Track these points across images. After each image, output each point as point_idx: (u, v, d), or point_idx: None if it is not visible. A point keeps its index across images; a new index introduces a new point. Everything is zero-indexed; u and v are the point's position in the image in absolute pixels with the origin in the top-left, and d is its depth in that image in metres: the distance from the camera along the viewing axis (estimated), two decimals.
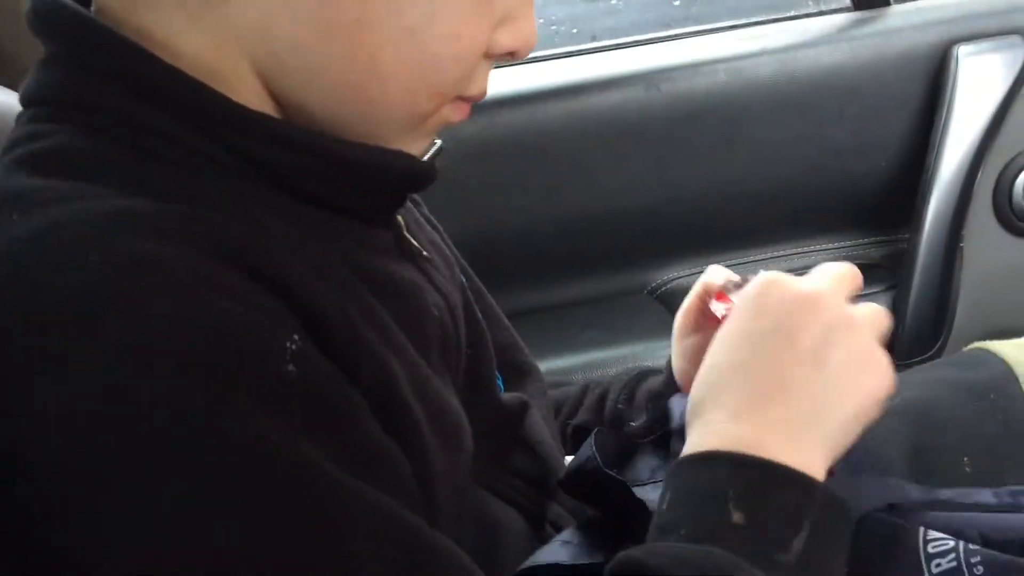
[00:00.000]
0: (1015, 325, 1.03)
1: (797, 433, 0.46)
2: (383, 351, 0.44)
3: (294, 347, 0.38)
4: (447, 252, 0.67)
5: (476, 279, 0.69)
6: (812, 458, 0.46)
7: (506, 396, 0.65)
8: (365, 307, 0.45)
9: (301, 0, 0.43)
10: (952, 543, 0.54)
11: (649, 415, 0.67)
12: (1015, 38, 1.14)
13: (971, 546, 0.54)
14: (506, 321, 0.71)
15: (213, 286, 0.37)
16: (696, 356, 0.62)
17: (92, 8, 0.46)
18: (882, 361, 0.50)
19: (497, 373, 0.66)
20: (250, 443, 0.36)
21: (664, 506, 0.45)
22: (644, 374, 0.72)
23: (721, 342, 0.51)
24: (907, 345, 1.16)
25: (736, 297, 0.57)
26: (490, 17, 0.48)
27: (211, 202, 0.42)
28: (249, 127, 0.44)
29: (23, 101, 0.47)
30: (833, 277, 0.52)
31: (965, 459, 0.76)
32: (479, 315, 0.63)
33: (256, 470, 0.36)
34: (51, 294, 0.36)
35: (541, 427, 0.65)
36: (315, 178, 0.46)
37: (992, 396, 0.80)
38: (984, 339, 0.94)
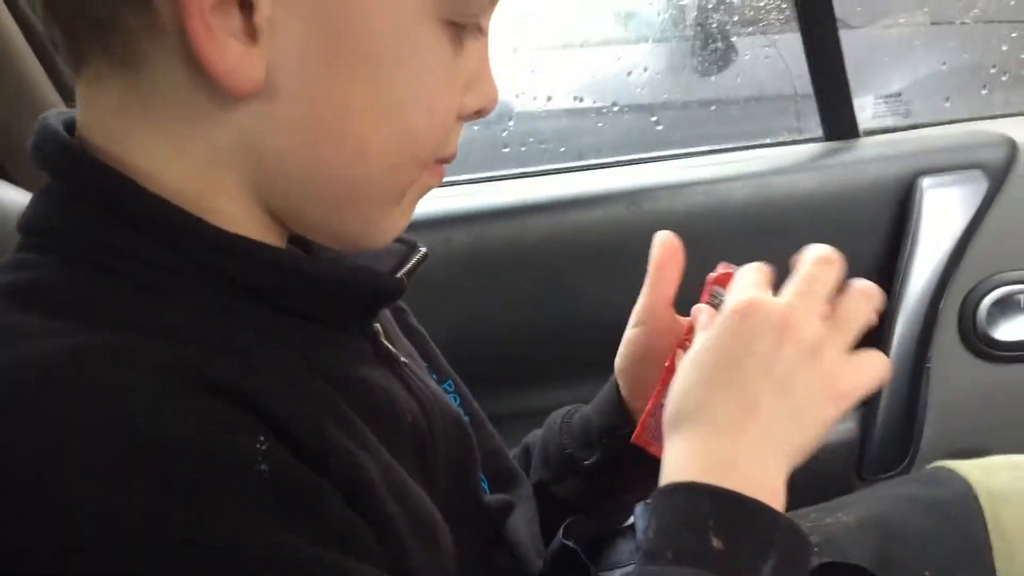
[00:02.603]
0: (980, 445, 1.06)
1: (765, 454, 0.51)
2: (355, 451, 0.45)
3: (263, 447, 0.39)
4: (434, 357, 0.70)
5: (463, 385, 0.71)
6: (777, 478, 0.51)
7: (490, 498, 0.66)
8: (336, 412, 0.46)
9: (283, 111, 0.44)
10: None
11: (602, 452, 0.70)
12: (977, 172, 1.21)
13: None
14: (492, 428, 0.72)
15: (177, 407, 0.38)
16: (636, 353, 0.67)
17: (81, 139, 0.47)
18: (845, 394, 0.53)
19: (483, 476, 0.67)
20: (234, 544, 0.37)
21: (650, 532, 0.48)
22: (571, 412, 0.75)
23: (698, 360, 0.54)
24: (875, 461, 1.19)
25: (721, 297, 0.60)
26: (459, 84, 0.50)
27: (184, 326, 0.43)
28: (225, 249, 0.46)
29: (18, 228, 0.48)
30: (808, 291, 0.55)
31: (926, 573, 0.78)
32: (464, 420, 0.64)
33: (242, 567, 0.37)
34: (14, 431, 0.37)
35: (521, 528, 0.67)
36: (289, 293, 0.48)
37: (953, 513, 0.83)
38: (951, 458, 0.98)
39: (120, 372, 0.39)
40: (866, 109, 1.57)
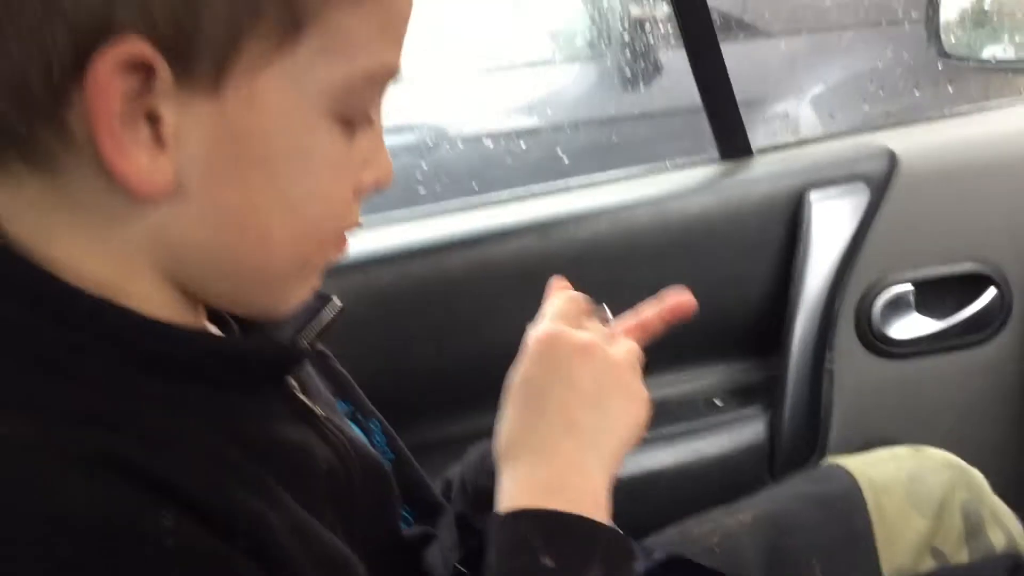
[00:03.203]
0: (884, 438, 1.13)
1: (588, 466, 0.58)
2: (259, 507, 0.47)
3: (168, 523, 0.41)
4: (358, 399, 0.73)
5: (387, 424, 0.75)
6: (600, 487, 0.58)
7: (409, 532, 0.71)
8: (240, 473, 0.49)
9: (191, 209, 0.48)
10: None
11: None
12: (859, 184, 1.29)
13: None
14: (415, 462, 0.77)
15: (80, 490, 0.41)
16: None
17: (2, 231, 0.49)
18: (641, 392, 0.63)
19: (407, 509, 0.72)
20: None
21: (491, 560, 0.54)
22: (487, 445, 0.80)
23: (516, 393, 0.62)
24: (786, 460, 1.26)
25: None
26: (353, 166, 0.53)
27: (88, 404, 0.45)
28: (128, 326, 0.48)
29: None
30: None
31: (814, 561, 0.86)
32: (382, 462, 0.68)
33: None
34: None
35: (437, 557, 0.71)
36: (195, 366, 0.51)
37: (839, 506, 0.90)
38: (857, 451, 1.05)
39: (24, 458, 0.41)
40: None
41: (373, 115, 0.54)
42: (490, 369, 1.26)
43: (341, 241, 0.57)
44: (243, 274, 0.52)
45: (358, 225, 0.57)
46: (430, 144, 1.57)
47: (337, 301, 0.63)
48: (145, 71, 0.44)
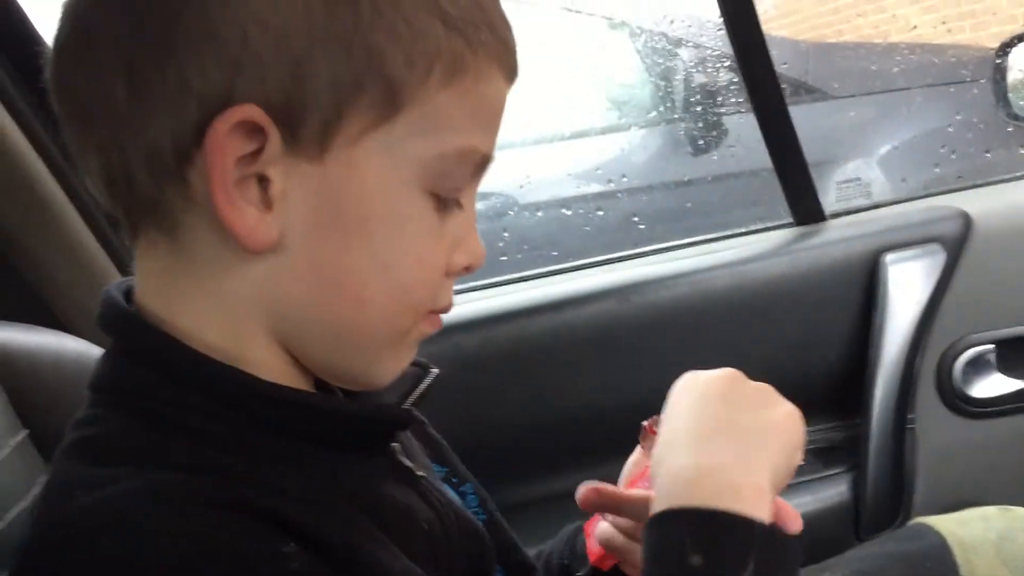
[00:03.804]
0: (968, 498, 1.13)
1: (751, 464, 0.54)
2: (371, 547, 0.51)
3: (290, 550, 0.46)
4: (453, 463, 0.76)
5: (481, 488, 0.77)
6: (763, 482, 0.53)
7: None
8: (356, 522, 0.53)
9: (292, 265, 0.52)
10: None
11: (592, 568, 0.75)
12: (935, 245, 1.30)
13: None
14: (506, 524, 0.78)
15: (213, 527, 0.46)
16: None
17: (137, 305, 0.55)
18: (794, 409, 0.58)
19: (500, 569, 0.73)
20: None
21: (644, 566, 0.53)
22: (580, 527, 0.80)
23: (671, 417, 0.58)
24: (870, 521, 1.26)
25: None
26: (444, 242, 0.56)
27: (221, 462, 0.50)
28: (254, 394, 0.53)
29: (89, 386, 0.56)
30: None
31: None
32: (478, 523, 0.70)
33: None
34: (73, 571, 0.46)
35: None
36: (312, 427, 0.54)
37: (928, 565, 0.91)
38: (942, 512, 1.06)
39: (161, 509, 0.46)
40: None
41: (464, 200, 0.57)
42: (570, 430, 1.31)
43: (434, 319, 0.59)
44: (342, 336, 0.55)
45: (450, 305, 0.59)
46: (511, 212, 1.64)
47: (434, 369, 0.66)
48: (258, 136, 0.49)
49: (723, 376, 0.59)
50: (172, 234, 0.53)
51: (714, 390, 0.58)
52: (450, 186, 0.56)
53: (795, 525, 0.56)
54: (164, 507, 0.47)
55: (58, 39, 0.53)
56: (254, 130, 0.50)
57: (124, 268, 1.05)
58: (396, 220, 0.53)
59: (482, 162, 0.57)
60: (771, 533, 0.51)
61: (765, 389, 0.59)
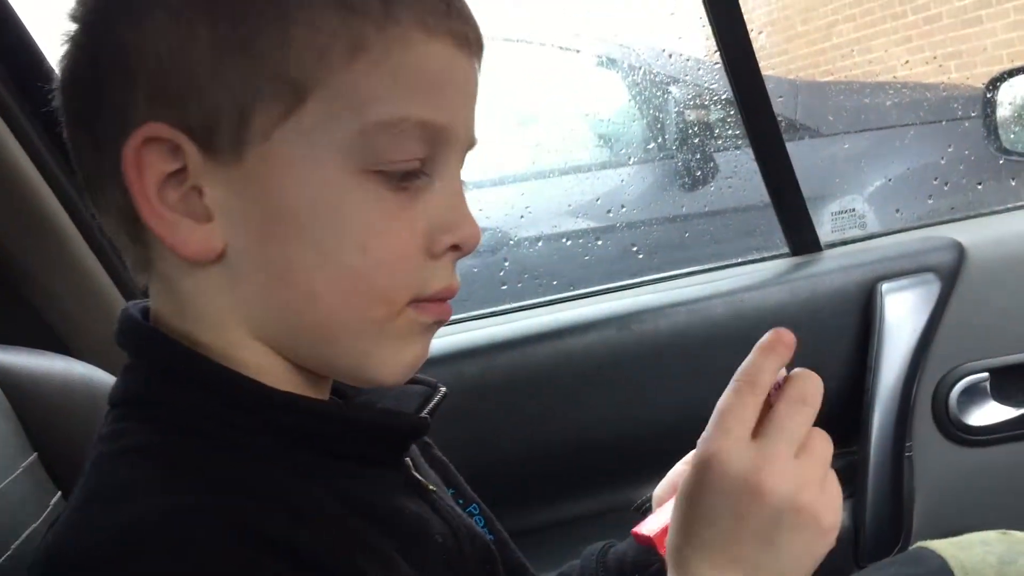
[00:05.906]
0: (966, 524, 1.13)
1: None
2: (375, 572, 0.51)
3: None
4: (459, 484, 0.76)
5: (487, 508, 0.77)
6: None
7: None
8: (365, 543, 0.53)
9: (245, 265, 0.54)
10: None
11: None
12: (930, 275, 1.32)
13: None
14: (513, 545, 0.79)
15: (234, 559, 0.47)
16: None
17: (155, 322, 0.57)
18: (827, 524, 0.53)
19: None
20: None
21: None
22: (608, 545, 0.81)
23: (682, 510, 0.55)
24: (870, 548, 1.26)
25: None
26: (411, 222, 0.54)
27: (243, 478, 0.51)
28: (278, 405, 0.54)
29: (110, 401, 0.57)
30: (781, 438, 0.53)
31: None
32: (489, 540, 0.70)
33: None
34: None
35: None
36: (329, 437, 0.55)
37: None
38: (940, 538, 1.06)
39: (192, 532, 0.47)
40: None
41: (442, 177, 0.56)
42: (574, 458, 1.31)
43: (426, 305, 0.56)
44: (314, 331, 0.55)
45: (452, 287, 0.57)
46: (511, 242, 1.66)
47: (441, 387, 0.67)
48: (180, 152, 0.52)
49: (750, 493, 0.52)
50: (148, 255, 0.56)
51: (727, 507, 0.53)
52: (392, 160, 0.53)
53: None
54: (174, 532, 0.47)
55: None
56: (174, 148, 0.52)
57: (129, 294, 1.06)
58: (329, 206, 0.53)
59: (432, 130, 0.54)
60: None
61: (786, 503, 0.52)
